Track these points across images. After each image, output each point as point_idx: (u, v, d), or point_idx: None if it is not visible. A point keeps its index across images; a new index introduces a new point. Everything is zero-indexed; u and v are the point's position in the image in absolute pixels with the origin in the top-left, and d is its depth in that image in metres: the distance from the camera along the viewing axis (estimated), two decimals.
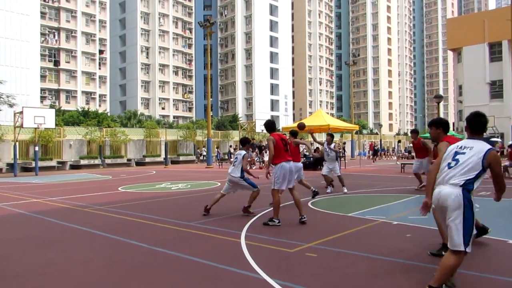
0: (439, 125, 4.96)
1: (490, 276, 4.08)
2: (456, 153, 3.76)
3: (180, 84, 69.61)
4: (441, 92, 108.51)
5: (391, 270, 4.32)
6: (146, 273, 4.41)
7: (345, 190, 10.90)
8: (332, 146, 11.46)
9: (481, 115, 3.89)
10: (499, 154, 16.19)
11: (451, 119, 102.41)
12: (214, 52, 74.13)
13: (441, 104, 24.91)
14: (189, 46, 71.63)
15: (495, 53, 41.78)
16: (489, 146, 3.64)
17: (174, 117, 67.36)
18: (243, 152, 8.00)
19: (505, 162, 15.77)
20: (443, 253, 3.92)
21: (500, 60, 40.67)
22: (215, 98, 74.26)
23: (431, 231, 6.14)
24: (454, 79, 49.97)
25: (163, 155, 33.32)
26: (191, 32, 71.99)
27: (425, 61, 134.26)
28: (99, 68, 58.35)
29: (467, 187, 3.49)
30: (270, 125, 7.26)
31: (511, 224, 6.73)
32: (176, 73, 68.83)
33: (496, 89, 41.36)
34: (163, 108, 67.02)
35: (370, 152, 39.11)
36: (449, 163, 3.73)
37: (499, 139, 30.37)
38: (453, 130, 46.48)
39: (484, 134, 3.90)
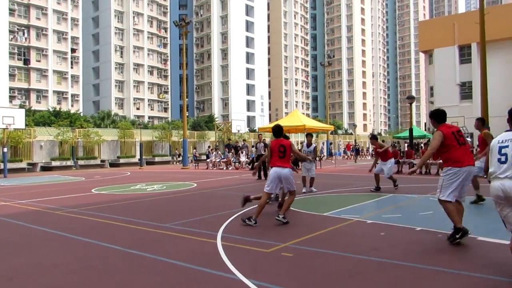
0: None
1: (461, 272, 4.18)
2: (500, 148, 3.97)
3: (155, 84, 68.82)
4: (413, 93, 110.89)
5: (366, 269, 4.37)
6: (120, 276, 4.32)
7: (314, 190, 11.18)
8: (312, 147, 11.61)
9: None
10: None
11: (423, 120, 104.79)
12: (190, 52, 73.64)
13: (414, 104, 25.55)
14: (164, 45, 70.90)
15: (465, 55, 42.99)
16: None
17: (149, 117, 66.53)
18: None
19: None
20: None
21: (470, 62, 41.86)
22: (191, 98, 73.77)
23: (405, 229, 6.27)
24: (426, 80, 51.19)
25: (138, 156, 32.84)
26: (166, 31, 71.28)
27: (398, 63, 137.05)
28: (71, 67, 57.06)
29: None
30: (275, 131, 7.31)
31: (480, 222, 6.92)
32: (151, 72, 68.01)
33: (466, 90, 42.56)
34: (137, 108, 66.10)
35: (348, 152, 39.64)
36: (499, 158, 3.94)
37: (468, 139, 31.24)
38: (425, 130, 47.64)
39: None
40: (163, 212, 8.58)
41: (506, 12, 39.93)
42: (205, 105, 74.28)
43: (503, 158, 3.90)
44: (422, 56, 76.79)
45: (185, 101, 30.45)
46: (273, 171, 6.95)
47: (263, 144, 17.17)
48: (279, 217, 6.82)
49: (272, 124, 11.36)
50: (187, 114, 42.54)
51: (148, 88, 67.55)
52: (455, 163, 5.26)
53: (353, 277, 4.09)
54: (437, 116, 5.59)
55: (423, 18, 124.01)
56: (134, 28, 65.66)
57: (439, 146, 5.36)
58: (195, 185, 14.51)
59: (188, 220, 7.44)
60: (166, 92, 70.54)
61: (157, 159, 35.49)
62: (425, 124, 51.38)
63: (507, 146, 3.92)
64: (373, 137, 12.08)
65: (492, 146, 4.10)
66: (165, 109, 70.90)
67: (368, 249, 5.14)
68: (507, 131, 4.09)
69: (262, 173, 16.41)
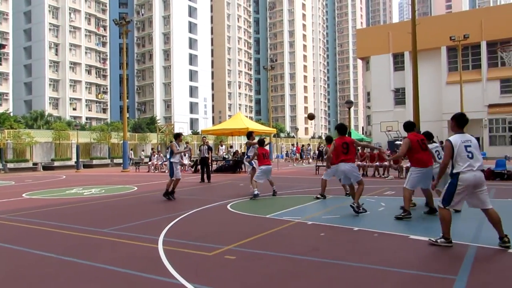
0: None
1: (395, 269, 4.40)
2: (466, 146, 4.99)
3: (94, 83, 66.14)
4: (352, 98, 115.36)
5: (307, 269, 4.47)
6: (52, 285, 4.09)
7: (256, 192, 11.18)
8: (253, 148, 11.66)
9: (464, 114, 5.26)
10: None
11: (361, 124, 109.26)
12: (131, 52, 71.62)
13: (352, 109, 26.59)
14: (103, 44, 68.39)
15: (399, 62, 45.53)
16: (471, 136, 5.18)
17: (87, 118, 63.80)
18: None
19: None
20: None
21: (403, 70, 44.39)
22: (131, 99, 71.70)
23: (343, 230, 6.49)
24: (363, 86, 53.54)
25: (74, 159, 31.31)
26: (105, 29, 68.78)
27: (338, 68, 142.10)
28: (0, 64, 53.35)
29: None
30: (339, 128, 8.65)
31: (412, 220, 7.31)
32: (89, 72, 65.27)
33: (400, 96, 45.04)
34: (74, 109, 63.17)
35: (297, 154, 40.27)
36: (467, 155, 4.96)
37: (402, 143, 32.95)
38: (362, 133, 49.70)
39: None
40: (101, 217, 8.25)
41: (435, 23, 42.82)
42: (147, 107, 72.52)
43: (470, 155, 4.92)
44: (360, 62, 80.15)
45: (125, 102, 29.51)
46: (340, 166, 8.18)
47: (207, 147, 17.00)
48: (353, 205, 7.69)
49: (216, 127, 11.57)
50: (128, 116, 41.27)
51: (86, 87, 64.77)
52: (418, 164, 7.01)
53: (295, 278, 4.16)
54: (407, 127, 7.42)
55: (360, 26, 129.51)
56: (70, 25, 62.72)
57: (406, 150, 7.04)
58: (136, 188, 14.10)
59: (128, 225, 7.21)
60: (105, 93, 68.01)
61: (95, 162, 34.05)
62: (363, 128, 53.63)
63: (470, 146, 4.97)
64: (328, 139, 12.36)
65: (456, 145, 5.01)
66: (104, 110, 68.30)
67: (309, 249, 5.27)
68: (458, 133, 5.14)
69: (205, 176, 16.31)
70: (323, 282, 4.01)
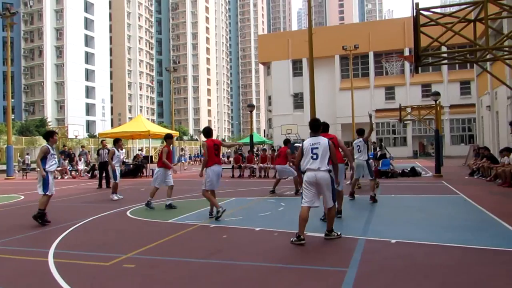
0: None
1: (294, 266, 4.60)
2: (312, 149, 5.63)
3: None
4: (254, 102, 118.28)
5: (209, 271, 4.47)
6: None
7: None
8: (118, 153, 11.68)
9: (316, 119, 5.95)
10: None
11: (262, 126, 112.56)
12: (17, 47, 65.20)
13: (254, 112, 27.22)
14: None
15: (297, 68, 47.83)
16: (326, 138, 5.75)
17: None
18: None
19: None
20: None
21: (301, 76, 46.72)
22: (18, 99, 65.21)
23: (245, 231, 6.62)
24: (265, 90, 55.21)
25: None
26: None
27: (240, 72, 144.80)
28: None
29: (329, 170, 5.59)
30: (207, 131, 8.12)
31: (309, 219, 7.71)
32: None
33: (298, 101, 47.33)
34: None
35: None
36: (311, 156, 5.60)
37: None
38: (264, 136, 51.24)
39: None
40: None
41: (330, 33, 45.84)
42: (36, 108, 66.62)
43: (314, 156, 5.58)
44: (261, 67, 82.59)
45: (10, 102, 26.73)
46: (212, 169, 7.74)
47: (106, 151, 16.19)
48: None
49: (115, 130, 10.96)
50: (13, 117, 37.49)
51: None
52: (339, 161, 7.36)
53: (195, 281, 4.14)
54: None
55: (262, 32, 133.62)
56: None
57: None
58: (23, 197, 12.84)
59: (13, 238, 6.53)
60: None
61: None
62: (264, 130, 55.28)
63: (317, 148, 5.59)
64: (287, 142, 12.66)
65: (305, 147, 5.70)
66: None
67: (211, 252, 5.28)
68: (311, 136, 5.79)
69: (103, 181, 15.49)
70: (224, 284, 4.04)
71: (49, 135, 7.74)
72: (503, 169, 12.35)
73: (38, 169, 7.45)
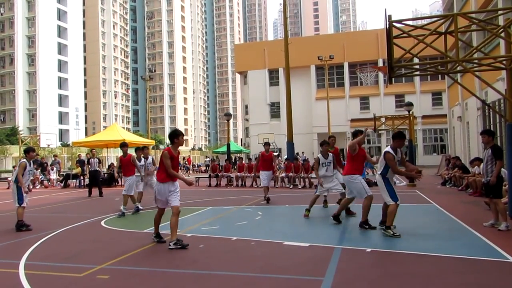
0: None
1: (270, 275, 4.60)
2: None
3: None
4: (230, 111, 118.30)
5: (183, 282, 4.43)
6: None
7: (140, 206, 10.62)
8: (149, 160, 11.10)
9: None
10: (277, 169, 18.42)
11: (239, 135, 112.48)
12: None
13: (231, 121, 27.35)
14: None
15: (274, 78, 48.15)
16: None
17: None
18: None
19: (282, 174, 18.15)
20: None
21: (278, 85, 47.03)
22: None
23: (222, 240, 6.59)
24: (242, 99, 55.33)
25: None
26: None
27: (217, 81, 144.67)
28: None
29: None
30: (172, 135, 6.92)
31: (286, 228, 7.74)
32: None
33: (275, 110, 47.60)
34: None
35: (190, 166, 39.40)
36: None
37: (277, 154, 34.77)
38: (241, 145, 51.22)
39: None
40: None
41: (306, 43, 46.48)
42: (7, 116, 64.81)
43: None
44: (238, 76, 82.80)
45: None
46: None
47: (97, 160, 16.22)
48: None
49: (89, 139, 10.58)
50: None
51: None
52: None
53: None
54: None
55: (238, 41, 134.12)
56: None
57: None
58: None
59: None
60: None
61: None
62: (241, 139, 55.27)
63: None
64: (266, 144, 12.56)
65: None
66: None
67: (187, 262, 5.22)
68: None
69: (91, 189, 15.44)
70: None
71: (26, 152, 8.36)
72: (474, 178, 12.69)
73: (19, 184, 7.93)
